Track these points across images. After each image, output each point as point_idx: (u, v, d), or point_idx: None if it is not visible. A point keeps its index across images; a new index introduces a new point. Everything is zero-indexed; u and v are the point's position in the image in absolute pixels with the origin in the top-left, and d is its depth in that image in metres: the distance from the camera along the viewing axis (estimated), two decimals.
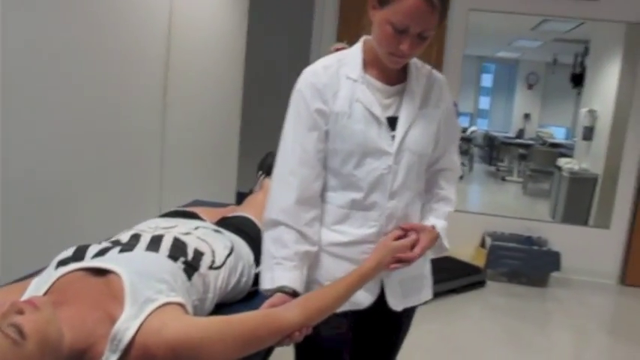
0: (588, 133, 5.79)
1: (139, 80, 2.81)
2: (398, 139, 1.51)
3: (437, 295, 2.70)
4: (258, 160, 4.88)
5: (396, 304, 1.63)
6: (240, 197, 4.45)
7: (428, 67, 1.61)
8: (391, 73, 1.53)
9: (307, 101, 1.48)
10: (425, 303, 1.72)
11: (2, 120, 1.86)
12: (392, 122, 1.51)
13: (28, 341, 0.95)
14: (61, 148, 2.21)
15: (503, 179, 8.11)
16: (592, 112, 5.74)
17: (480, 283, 4.35)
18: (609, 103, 5.34)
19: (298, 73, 1.55)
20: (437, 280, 1.79)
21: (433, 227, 1.59)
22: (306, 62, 5.19)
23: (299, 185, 1.47)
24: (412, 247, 1.52)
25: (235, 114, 4.24)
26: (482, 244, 4.78)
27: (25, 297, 1.18)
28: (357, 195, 1.51)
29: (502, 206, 6.99)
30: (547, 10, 4.95)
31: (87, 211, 2.43)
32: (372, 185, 1.50)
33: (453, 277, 4.07)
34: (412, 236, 1.53)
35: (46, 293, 1.17)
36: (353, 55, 1.55)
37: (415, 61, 1.57)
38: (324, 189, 1.54)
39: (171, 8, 3.01)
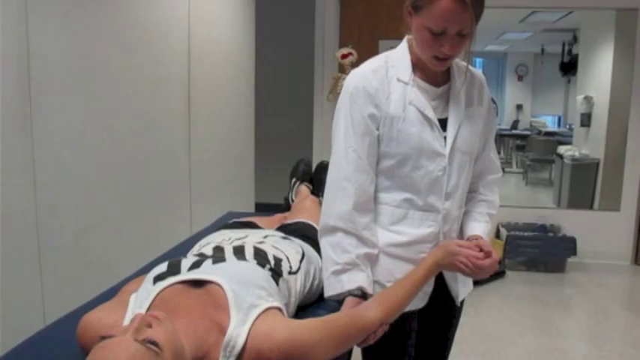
0: (586, 120, 5.87)
1: (165, 98, 2.86)
2: (450, 141, 1.52)
3: None
4: (272, 171, 4.94)
5: (457, 298, 1.70)
6: (259, 207, 4.51)
7: (465, 64, 1.59)
8: (436, 74, 1.53)
9: (359, 106, 1.47)
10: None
11: (34, 144, 1.90)
12: (441, 123, 1.52)
13: (165, 352, 0.99)
14: (95, 170, 2.25)
15: (503, 171, 8.19)
16: (588, 99, 5.81)
17: (500, 274, 4.42)
18: (605, 88, 5.42)
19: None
20: None
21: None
22: (311, 70, 5.22)
23: (355, 191, 1.47)
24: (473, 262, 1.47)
25: (250, 127, 4.30)
26: (497, 235, 4.85)
27: (128, 313, 1.22)
28: (414, 196, 1.53)
29: (506, 197, 7.03)
30: (537, 2, 5.02)
31: (122, 230, 2.47)
32: (429, 187, 1.52)
33: None
34: (479, 254, 1.48)
35: (149, 308, 1.21)
36: (400, 56, 1.54)
37: (456, 61, 1.56)
38: (376, 190, 1.55)
39: (189, 28, 3.06)
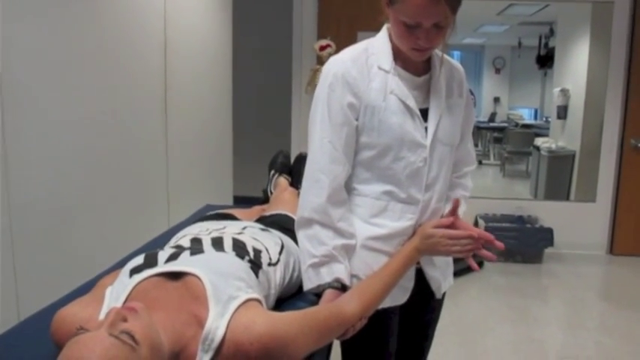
0: (562, 112, 5.92)
1: (141, 90, 2.81)
2: (431, 131, 1.49)
3: None
4: (250, 163, 4.90)
5: (438, 291, 1.69)
6: (237, 200, 4.48)
7: (446, 56, 1.57)
8: (417, 64, 1.51)
9: (338, 95, 1.44)
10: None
11: (6, 138, 1.86)
12: (422, 114, 1.49)
13: (142, 346, 0.96)
14: (71, 162, 2.21)
15: (480, 163, 8.26)
16: (564, 92, 5.86)
17: (478, 265, 4.44)
18: (581, 81, 5.47)
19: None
20: None
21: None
22: (289, 62, 5.19)
23: (330, 183, 1.45)
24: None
25: (228, 119, 4.26)
26: (475, 227, 4.88)
27: (104, 307, 1.19)
28: (395, 188, 1.50)
29: (483, 189, 7.09)
30: None
31: (99, 224, 2.43)
32: (410, 178, 1.49)
33: (452, 261, 4.14)
34: (453, 232, 1.47)
35: (125, 301, 1.18)
36: (381, 44, 1.50)
37: (436, 51, 1.53)
38: (355, 181, 1.53)
39: (165, 19, 3.01)
